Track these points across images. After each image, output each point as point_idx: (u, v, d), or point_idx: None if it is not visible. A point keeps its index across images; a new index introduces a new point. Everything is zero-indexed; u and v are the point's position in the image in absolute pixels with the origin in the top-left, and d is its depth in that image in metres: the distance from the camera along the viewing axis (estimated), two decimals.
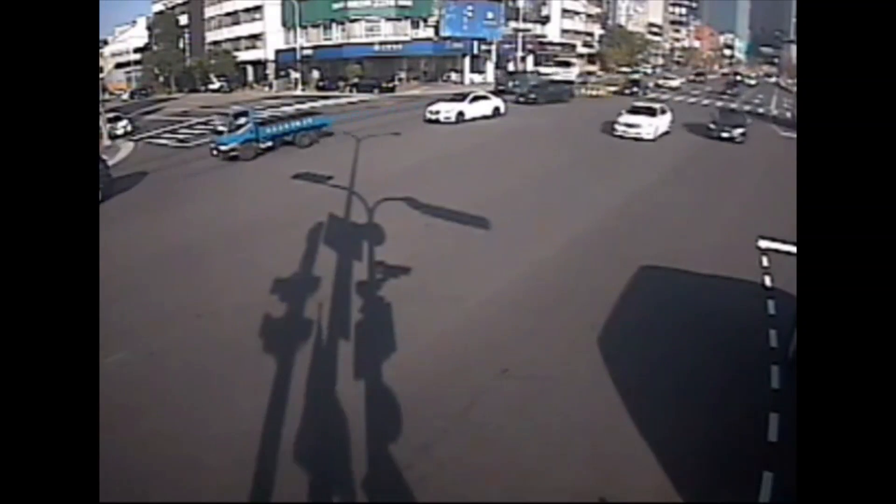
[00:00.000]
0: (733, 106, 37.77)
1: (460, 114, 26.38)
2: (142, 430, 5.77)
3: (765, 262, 10.24)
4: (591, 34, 78.31)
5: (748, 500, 4.96)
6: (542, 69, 54.14)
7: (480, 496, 4.94)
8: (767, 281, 9.45)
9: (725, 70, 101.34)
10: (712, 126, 24.49)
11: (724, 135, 23.75)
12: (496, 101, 28.39)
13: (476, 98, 27.96)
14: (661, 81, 52.68)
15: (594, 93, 42.77)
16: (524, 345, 7.43)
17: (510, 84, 39.12)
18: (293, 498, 4.98)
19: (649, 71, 72.90)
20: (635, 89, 42.69)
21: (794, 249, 9.63)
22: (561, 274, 9.76)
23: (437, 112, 26.46)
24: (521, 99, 34.01)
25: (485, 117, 27.22)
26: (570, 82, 42.37)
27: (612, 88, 44.14)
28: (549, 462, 5.36)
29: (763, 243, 11.00)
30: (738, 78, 64.17)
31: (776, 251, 10.54)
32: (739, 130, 23.88)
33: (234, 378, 6.69)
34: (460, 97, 28.06)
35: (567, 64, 58.41)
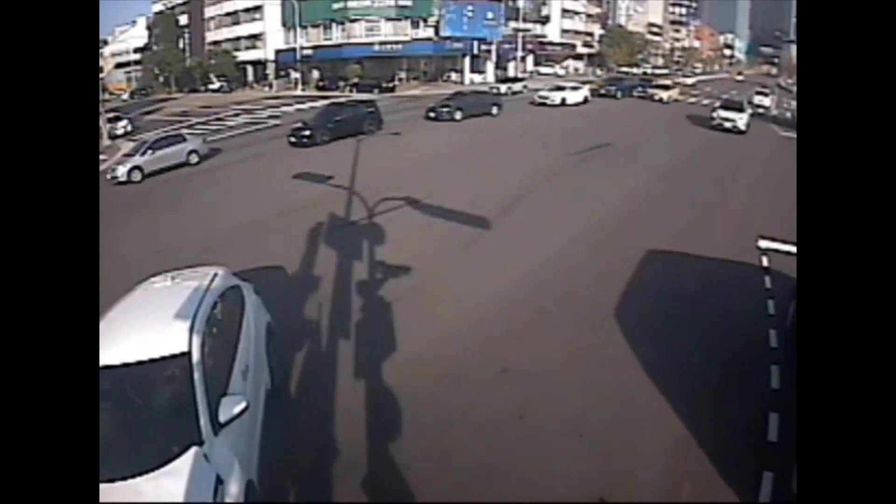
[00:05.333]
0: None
1: None
2: None
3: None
4: (591, 34, 78.34)
5: (748, 500, 4.96)
6: None
7: (480, 496, 4.94)
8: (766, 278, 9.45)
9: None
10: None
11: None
12: None
13: None
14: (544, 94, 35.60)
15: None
16: (524, 344, 7.43)
17: None
18: (294, 498, 4.97)
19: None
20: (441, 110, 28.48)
21: (793, 249, 9.62)
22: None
23: None
24: (293, 139, 22.65)
25: None
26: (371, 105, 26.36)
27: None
28: (549, 462, 5.35)
29: (763, 243, 10.98)
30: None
31: (777, 251, 10.52)
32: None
33: None
34: None
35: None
